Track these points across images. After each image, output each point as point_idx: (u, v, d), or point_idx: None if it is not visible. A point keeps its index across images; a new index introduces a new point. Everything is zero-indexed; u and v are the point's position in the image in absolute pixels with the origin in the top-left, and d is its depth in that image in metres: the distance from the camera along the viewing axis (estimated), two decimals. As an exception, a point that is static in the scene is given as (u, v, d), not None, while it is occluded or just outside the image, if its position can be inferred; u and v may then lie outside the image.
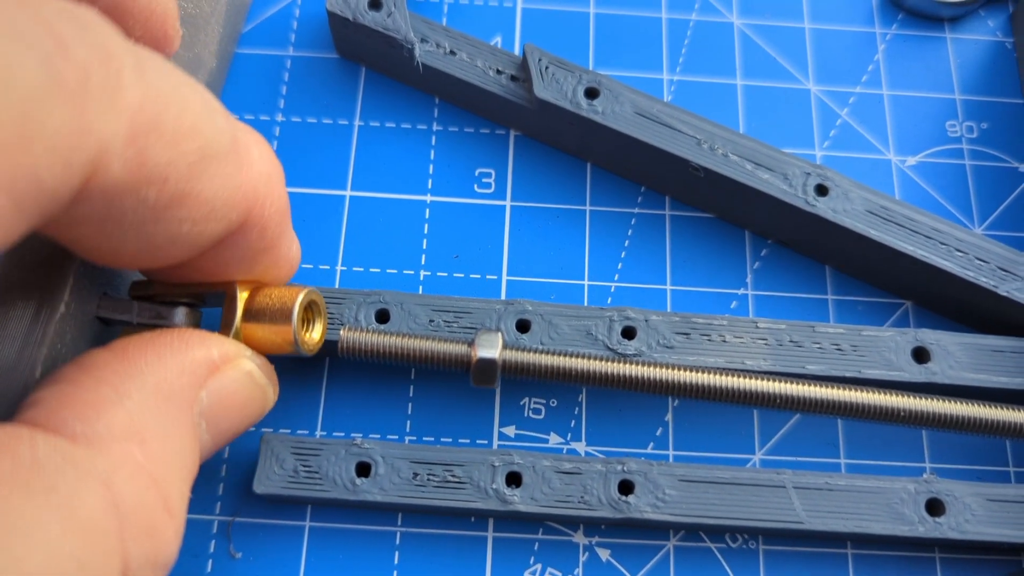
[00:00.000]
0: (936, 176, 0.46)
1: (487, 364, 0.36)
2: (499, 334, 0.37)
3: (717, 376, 0.37)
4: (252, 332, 0.33)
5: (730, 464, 0.40)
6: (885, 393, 0.37)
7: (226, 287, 0.33)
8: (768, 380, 0.37)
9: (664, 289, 0.43)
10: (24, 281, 0.33)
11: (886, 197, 0.41)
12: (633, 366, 0.37)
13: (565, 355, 0.37)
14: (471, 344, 0.36)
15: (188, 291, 0.34)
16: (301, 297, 0.33)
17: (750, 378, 0.37)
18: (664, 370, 0.37)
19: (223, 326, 0.33)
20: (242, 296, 0.33)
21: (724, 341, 0.39)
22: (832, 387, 0.37)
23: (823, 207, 0.41)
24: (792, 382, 0.37)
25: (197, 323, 0.34)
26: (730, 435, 0.41)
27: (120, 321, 0.35)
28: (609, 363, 0.37)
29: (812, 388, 0.37)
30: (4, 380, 0.32)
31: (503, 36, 0.47)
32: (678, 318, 0.40)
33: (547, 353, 0.37)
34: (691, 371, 0.37)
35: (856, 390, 0.37)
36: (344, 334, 0.36)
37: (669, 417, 0.41)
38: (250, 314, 0.32)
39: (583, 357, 0.37)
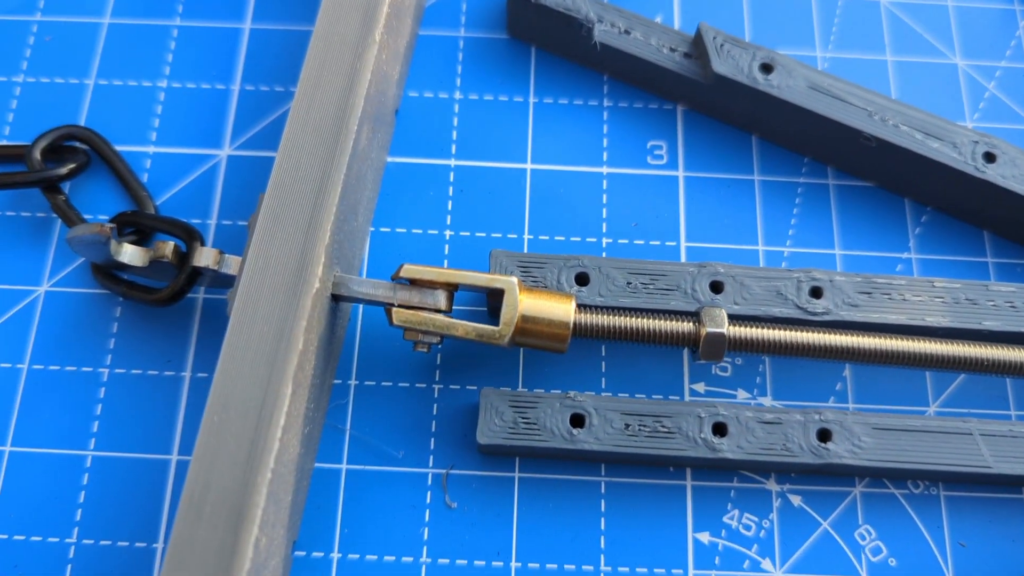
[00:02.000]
0: (1082, 145, 0.48)
1: (716, 339, 0.38)
2: (723, 310, 0.39)
3: (922, 343, 0.39)
4: (527, 328, 0.37)
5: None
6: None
7: (506, 285, 0.37)
8: (953, 344, 0.39)
9: (833, 254, 0.45)
10: (280, 260, 0.36)
11: (1051, 163, 0.43)
12: (849, 337, 0.39)
13: (786, 328, 0.39)
14: (698, 321, 0.39)
15: (456, 280, 0.37)
16: (573, 304, 0.38)
17: (939, 343, 0.39)
18: (880, 340, 0.39)
19: (503, 323, 0.37)
20: (521, 297, 0.37)
21: (904, 300, 0.42)
22: (1004, 348, 0.40)
23: (992, 173, 0.43)
24: (974, 345, 0.39)
25: (451, 307, 0.37)
26: (906, 389, 0.43)
27: (363, 300, 0.37)
28: (828, 335, 0.39)
29: (990, 350, 0.39)
30: (269, 351, 0.35)
31: (663, 15, 0.50)
32: (860, 278, 0.42)
33: (771, 327, 0.39)
34: (902, 340, 0.39)
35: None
36: (579, 317, 0.38)
37: (848, 372, 0.43)
38: (527, 316, 0.38)
39: (802, 329, 0.39)
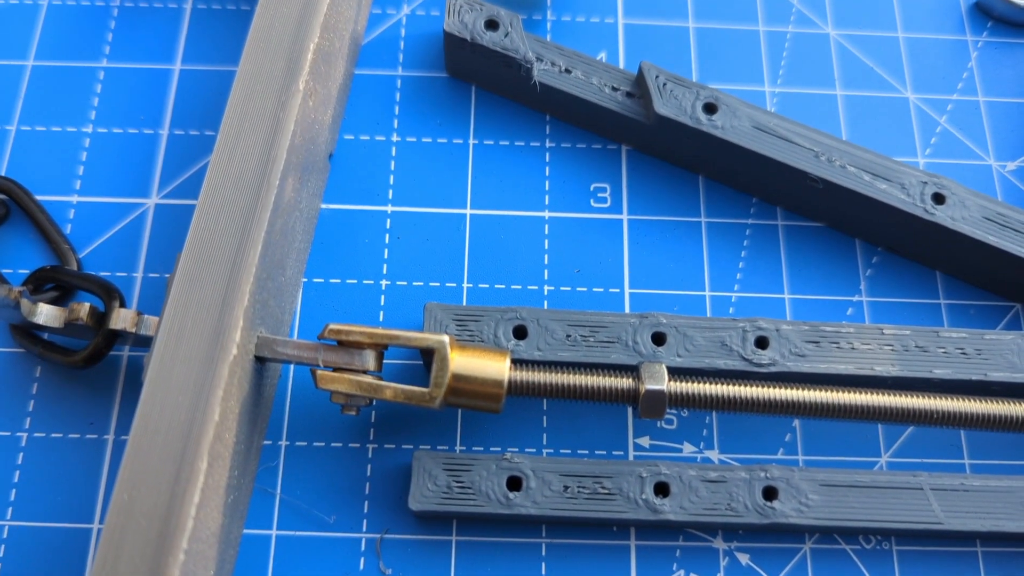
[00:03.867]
0: (1036, 180, 0.47)
1: (656, 396, 0.37)
2: (663, 365, 0.37)
3: (868, 396, 0.38)
4: (459, 388, 0.36)
5: (857, 468, 0.41)
6: (1011, 403, 0.38)
7: (437, 345, 0.36)
8: (910, 396, 0.38)
9: (783, 298, 0.44)
10: (196, 324, 0.34)
11: (1002, 204, 0.42)
12: (794, 391, 0.38)
13: (729, 383, 0.38)
14: (637, 378, 0.37)
15: (385, 340, 0.36)
16: (508, 362, 0.36)
17: (897, 396, 0.38)
18: (827, 393, 0.38)
19: (434, 384, 0.36)
20: (453, 356, 0.36)
21: (853, 348, 0.40)
22: (959, 400, 0.38)
23: (942, 215, 0.42)
24: (925, 397, 0.38)
25: (381, 366, 0.35)
26: (857, 438, 0.42)
27: (285, 360, 0.36)
28: (771, 389, 0.38)
29: (942, 402, 0.38)
30: (183, 423, 0.33)
31: (607, 52, 0.48)
32: (807, 327, 0.40)
33: (713, 382, 0.37)
34: (849, 393, 0.38)
35: (982, 401, 0.38)
36: (513, 375, 0.37)
37: (797, 423, 0.42)
38: (459, 376, 0.36)
39: (745, 384, 0.38)
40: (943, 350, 0.40)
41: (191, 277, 0.35)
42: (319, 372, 0.36)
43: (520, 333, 0.40)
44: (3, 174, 0.44)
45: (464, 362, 0.37)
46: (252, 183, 0.37)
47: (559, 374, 0.38)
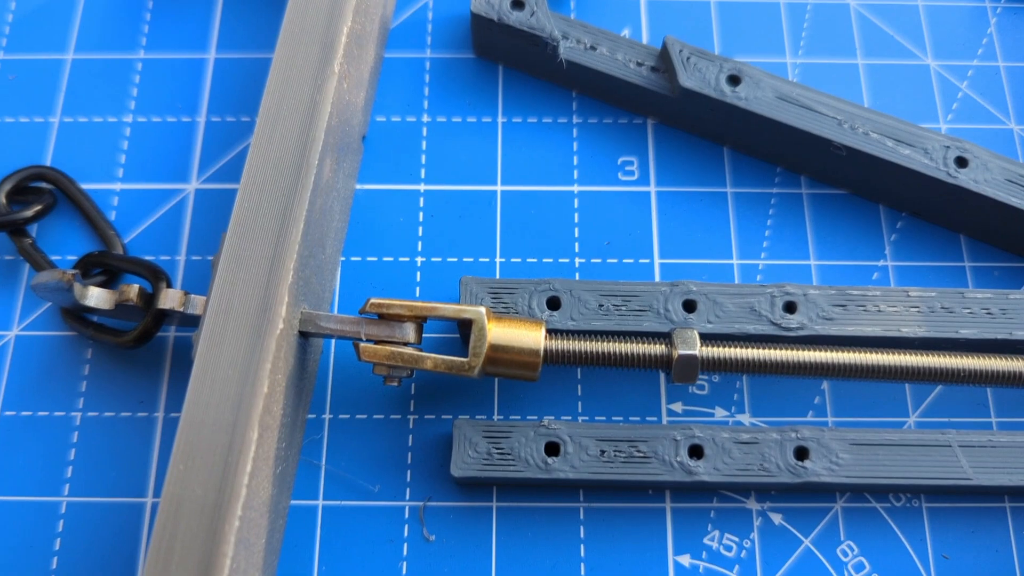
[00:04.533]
0: (1058, 143, 0.47)
1: (688, 361, 0.38)
2: (694, 331, 0.38)
3: (902, 356, 0.38)
4: (497, 357, 0.37)
5: (886, 428, 0.42)
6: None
7: (475, 316, 0.37)
8: (934, 356, 0.39)
9: (809, 264, 0.45)
10: (243, 301, 0.36)
11: (1023, 165, 0.43)
12: (823, 353, 0.38)
13: (760, 346, 0.38)
14: (669, 343, 0.38)
15: (424, 312, 0.37)
16: (543, 332, 0.38)
17: (921, 355, 0.39)
18: (855, 355, 0.38)
19: (472, 354, 0.37)
20: (490, 326, 0.37)
21: (879, 311, 0.41)
22: (985, 358, 0.39)
23: (965, 178, 0.43)
24: (950, 356, 0.39)
25: (420, 339, 0.37)
26: (885, 400, 0.43)
27: (331, 335, 0.37)
28: (801, 351, 0.38)
29: (968, 360, 0.39)
30: (234, 396, 0.34)
31: (631, 28, 0.49)
32: (834, 291, 0.41)
33: (744, 346, 0.38)
34: (876, 353, 0.38)
35: (1008, 359, 0.39)
36: (549, 344, 0.38)
37: (826, 385, 0.43)
38: (496, 346, 0.37)
39: (775, 347, 0.39)
40: (968, 311, 0.41)
41: (237, 256, 0.37)
42: (362, 345, 0.38)
43: (554, 304, 0.41)
44: (49, 164, 0.46)
45: (501, 332, 0.38)
46: (292, 164, 0.38)
47: (593, 342, 0.39)
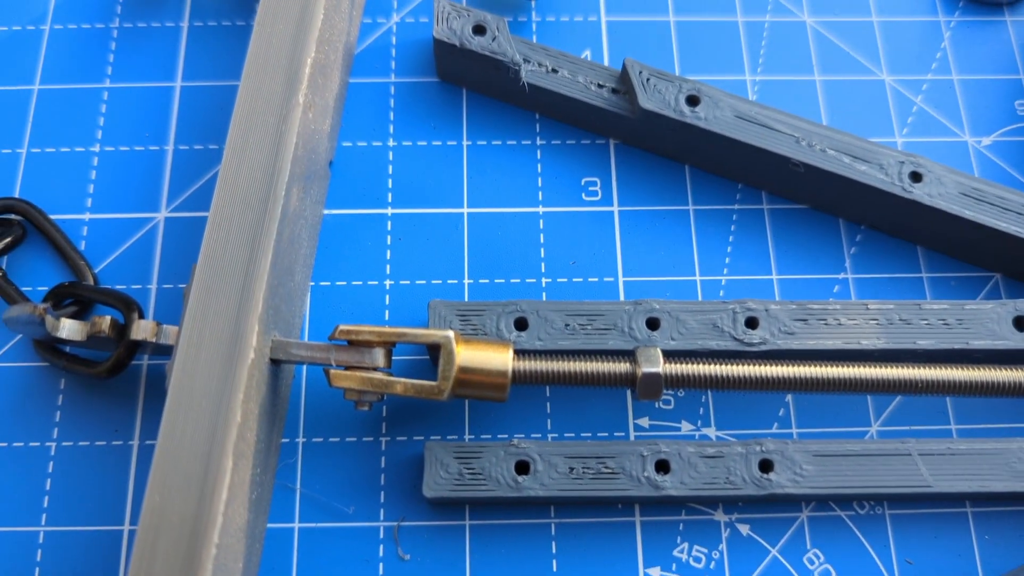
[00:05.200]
0: (1010, 153, 0.49)
1: (652, 378, 0.39)
2: (658, 349, 0.39)
3: (856, 369, 0.40)
4: (466, 379, 0.38)
5: (849, 438, 0.43)
6: (992, 369, 0.40)
7: (443, 340, 0.38)
8: (893, 368, 0.40)
9: (771, 279, 0.46)
10: (214, 332, 0.36)
11: (977, 179, 0.44)
12: (785, 367, 0.39)
13: (722, 363, 0.39)
14: (633, 361, 0.39)
15: (393, 338, 0.38)
16: (511, 353, 0.38)
17: (881, 368, 0.40)
18: (815, 368, 0.39)
19: (442, 378, 0.38)
20: (458, 350, 0.38)
21: (840, 324, 0.42)
22: (943, 368, 0.40)
23: (919, 193, 0.44)
24: (909, 367, 0.40)
25: (390, 363, 0.37)
26: (847, 411, 0.44)
27: (299, 362, 0.38)
28: (763, 367, 0.39)
29: (926, 371, 0.40)
30: (207, 426, 0.35)
31: (592, 50, 0.50)
32: (795, 306, 0.42)
33: (707, 362, 0.39)
34: (837, 367, 0.39)
35: (966, 369, 0.40)
36: (516, 365, 0.39)
37: (789, 398, 0.44)
38: (465, 368, 0.38)
39: (738, 363, 0.39)
40: (926, 322, 0.42)
41: (207, 287, 0.37)
42: (332, 371, 0.38)
43: (521, 325, 0.42)
44: (17, 196, 0.46)
45: (469, 355, 0.39)
46: (259, 195, 0.39)
47: (560, 362, 0.40)
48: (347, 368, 0.38)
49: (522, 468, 0.40)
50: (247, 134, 0.40)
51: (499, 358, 0.39)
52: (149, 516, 0.34)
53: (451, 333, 0.38)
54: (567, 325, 0.42)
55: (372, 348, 0.38)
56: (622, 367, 0.39)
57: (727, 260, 0.46)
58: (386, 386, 0.38)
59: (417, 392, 0.38)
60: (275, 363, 0.39)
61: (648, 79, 0.45)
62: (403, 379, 0.38)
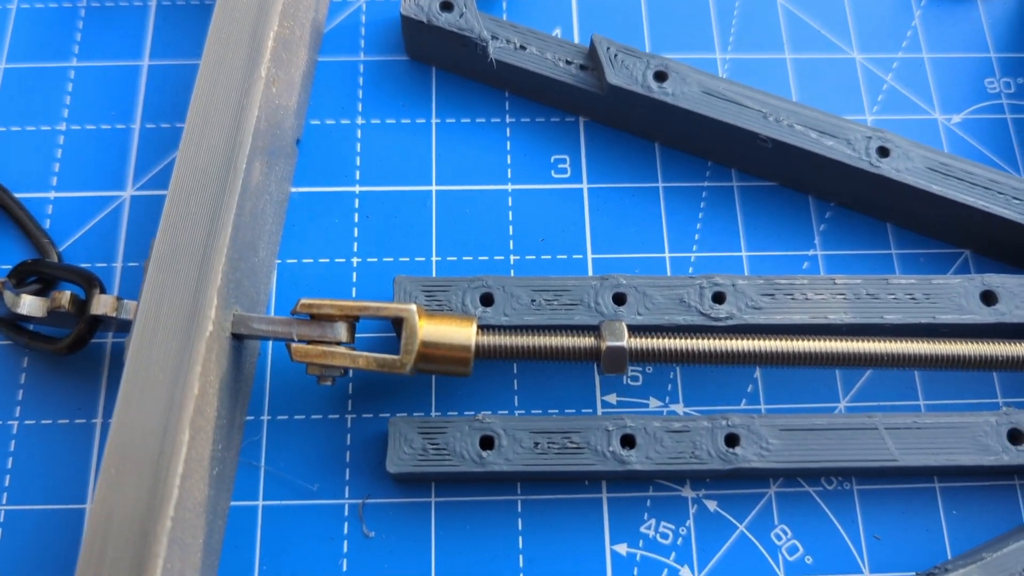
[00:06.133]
0: (980, 131, 0.48)
1: (616, 352, 0.38)
2: (623, 323, 0.39)
3: (828, 343, 0.39)
4: (429, 354, 0.38)
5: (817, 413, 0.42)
6: (959, 342, 0.40)
7: (405, 313, 0.37)
8: (859, 341, 0.39)
9: (740, 256, 0.45)
10: (172, 305, 0.36)
11: (944, 154, 0.44)
12: (750, 341, 0.39)
13: (688, 336, 0.39)
14: (598, 336, 0.39)
15: (355, 312, 0.37)
16: (474, 327, 0.38)
17: (846, 341, 0.39)
18: (781, 342, 0.39)
19: (404, 351, 0.38)
20: (421, 324, 0.37)
21: (807, 299, 0.42)
22: (910, 342, 0.40)
23: (887, 168, 0.44)
24: (875, 341, 0.40)
25: (353, 338, 0.37)
26: (816, 386, 0.43)
27: (263, 337, 0.38)
28: (729, 340, 0.39)
29: (893, 345, 0.40)
30: (165, 399, 0.35)
31: (562, 27, 0.50)
32: (762, 280, 0.42)
33: (672, 337, 0.39)
34: (803, 340, 0.39)
35: (932, 342, 0.40)
36: (480, 339, 0.39)
37: (758, 374, 0.44)
38: (427, 342, 0.38)
39: (704, 337, 0.39)
40: (893, 296, 0.42)
41: (165, 261, 0.37)
42: (294, 345, 0.38)
43: (487, 300, 0.42)
44: (-18, 174, 0.46)
45: (432, 329, 0.38)
46: (220, 168, 0.38)
47: (524, 336, 0.39)
48: (309, 343, 0.38)
49: (486, 443, 0.40)
50: (209, 106, 0.39)
51: (462, 332, 0.38)
52: (105, 489, 0.34)
53: (414, 307, 0.38)
54: (533, 301, 0.41)
55: (334, 322, 0.38)
56: (586, 341, 0.39)
57: (696, 237, 0.46)
58: (348, 360, 0.38)
59: (380, 366, 0.38)
60: (237, 338, 0.39)
61: (616, 55, 0.45)
62: (365, 353, 0.38)
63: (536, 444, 0.40)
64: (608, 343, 0.39)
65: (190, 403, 0.35)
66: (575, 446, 0.40)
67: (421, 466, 0.39)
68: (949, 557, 0.41)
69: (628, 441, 0.40)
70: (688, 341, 0.39)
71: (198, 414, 0.35)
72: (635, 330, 0.40)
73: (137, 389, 0.35)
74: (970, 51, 0.50)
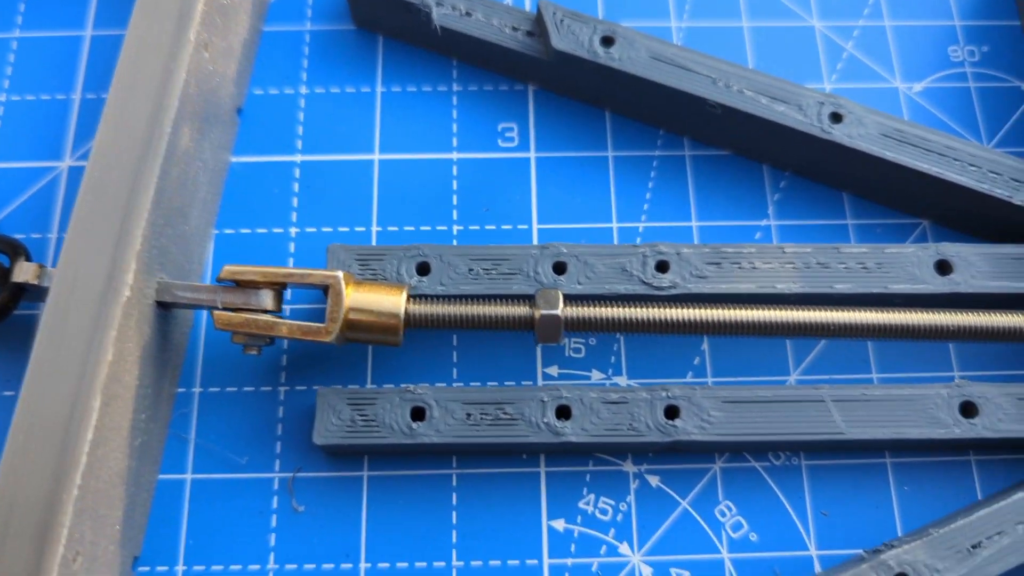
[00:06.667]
0: (942, 100, 0.47)
1: (550, 320, 0.37)
2: (558, 291, 0.38)
3: (772, 311, 0.38)
4: (356, 321, 0.37)
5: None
6: (911, 312, 0.39)
7: (331, 280, 0.36)
8: (805, 310, 0.38)
9: (690, 226, 0.44)
10: (89, 270, 0.35)
11: (899, 120, 0.43)
12: (690, 310, 0.38)
13: (626, 305, 0.38)
14: (532, 304, 0.38)
15: (280, 279, 0.36)
16: (405, 295, 0.37)
17: (792, 310, 0.38)
18: (723, 311, 0.38)
19: (329, 319, 0.36)
20: (348, 291, 0.36)
21: (754, 268, 0.41)
22: (860, 311, 0.39)
23: (839, 133, 0.42)
24: (823, 310, 0.38)
25: (279, 307, 0.36)
26: (766, 359, 0.42)
27: (187, 305, 0.37)
28: (669, 309, 0.38)
29: (842, 314, 0.38)
30: (77, 365, 0.34)
31: (513, -5, 0.49)
32: (708, 249, 0.41)
33: (609, 305, 0.38)
34: (747, 309, 0.38)
35: (883, 311, 0.38)
36: (410, 308, 0.38)
37: (705, 346, 0.42)
38: (354, 309, 0.37)
39: (643, 305, 0.38)
40: (844, 265, 0.41)
41: (84, 225, 0.36)
42: (216, 313, 0.37)
43: (423, 270, 0.40)
44: (-83, 144, 0.45)
45: (360, 297, 0.37)
46: (144, 132, 0.37)
47: (458, 305, 0.38)
48: (234, 311, 0.37)
49: (418, 414, 0.39)
50: (135, 70, 0.38)
51: (391, 300, 0.37)
52: (12, 456, 0.33)
53: (340, 273, 0.37)
54: (471, 270, 0.40)
55: (259, 290, 0.37)
56: (520, 310, 0.38)
57: (645, 207, 0.44)
58: (271, 328, 0.37)
59: (304, 334, 0.37)
60: (163, 306, 0.38)
61: (562, 20, 0.44)
62: (288, 321, 0.37)
63: (468, 415, 0.38)
64: (542, 311, 0.37)
65: (103, 368, 0.34)
66: (508, 417, 0.38)
67: (349, 438, 0.38)
68: (899, 534, 0.39)
69: (563, 412, 0.39)
70: (625, 310, 0.38)
71: (114, 380, 0.34)
72: (574, 299, 0.39)
73: (50, 354, 0.34)
74: (934, 19, 0.49)
